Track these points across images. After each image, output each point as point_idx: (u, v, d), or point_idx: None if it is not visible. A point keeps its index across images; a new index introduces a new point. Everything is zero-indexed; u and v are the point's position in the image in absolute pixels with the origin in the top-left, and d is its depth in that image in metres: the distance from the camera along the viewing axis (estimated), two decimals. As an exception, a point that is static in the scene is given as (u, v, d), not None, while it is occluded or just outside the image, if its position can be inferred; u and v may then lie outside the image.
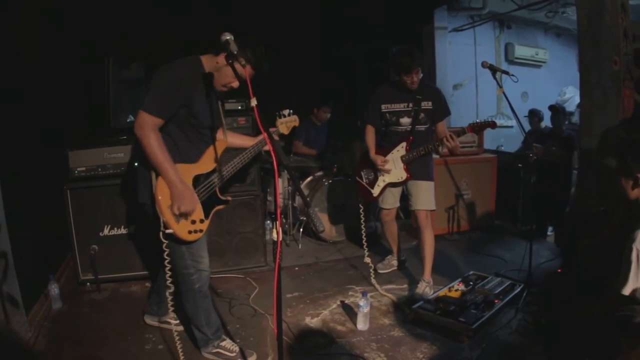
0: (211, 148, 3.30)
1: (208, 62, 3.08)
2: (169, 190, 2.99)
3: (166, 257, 3.04)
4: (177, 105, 2.97)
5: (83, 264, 4.69)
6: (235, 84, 3.07)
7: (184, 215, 3.06)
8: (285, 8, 6.81)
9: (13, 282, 3.56)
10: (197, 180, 3.20)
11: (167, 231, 3.00)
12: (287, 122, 3.81)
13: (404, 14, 7.84)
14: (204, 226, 3.23)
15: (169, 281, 3.12)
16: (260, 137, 3.62)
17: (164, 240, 3.02)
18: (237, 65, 2.67)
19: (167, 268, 3.07)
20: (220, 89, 3.14)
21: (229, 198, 3.50)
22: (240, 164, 3.53)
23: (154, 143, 2.89)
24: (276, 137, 3.66)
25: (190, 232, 3.12)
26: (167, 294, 3.19)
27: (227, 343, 3.53)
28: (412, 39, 8.41)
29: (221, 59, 2.93)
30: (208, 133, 3.23)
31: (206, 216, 3.25)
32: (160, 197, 2.98)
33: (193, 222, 3.13)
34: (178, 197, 2.98)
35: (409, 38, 8.42)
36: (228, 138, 3.46)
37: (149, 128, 2.88)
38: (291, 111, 3.80)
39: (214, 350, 3.49)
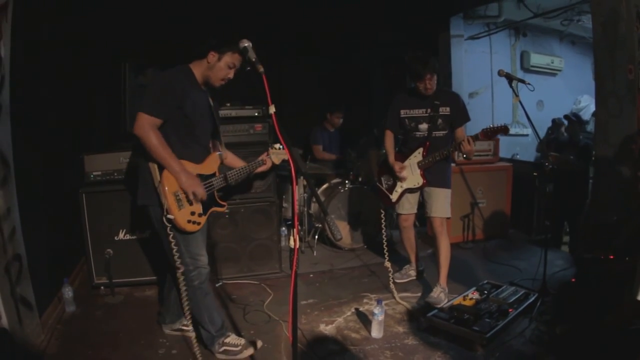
0: (214, 155, 3.59)
1: (198, 67, 3.34)
2: (177, 182, 3.19)
3: (174, 247, 3.22)
4: (172, 106, 3.15)
5: (97, 267, 4.71)
6: (231, 74, 3.34)
7: (195, 199, 3.26)
8: (301, 15, 6.83)
9: (27, 285, 3.59)
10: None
11: (169, 216, 3.17)
12: (278, 154, 3.98)
13: (420, 22, 7.83)
14: (202, 220, 3.40)
15: (175, 284, 3.33)
16: (257, 158, 3.93)
17: (167, 224, 3.18)
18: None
19: (177, 263, 3.25)
20: (219, 84, 3.38)
21: (225, 204, 3.72)
22: (236, 176, 3.74)
23: (156, 141, 3.06)
24: (266, 164, 3.94)
25: (189, 221, 3.28)
26: (173, 297, 3.45)
27: (232, 338, 3.61)
28: (428, 47, 8.38)
29: (211, 57, 3.24)
30: (203, 136, 3.47)
31: (204, 212, 3.42)
32: (165, 182, 3.16)
33: (192, 213, 3.31)
34: (188, 184, 3.20)
35: (425, 46, 8.37)
36: (224, 154, 3.76)
37: (148, 127, 3.06)
38: (281, 147, 3.93)
39: (222, 349, 3.56)
